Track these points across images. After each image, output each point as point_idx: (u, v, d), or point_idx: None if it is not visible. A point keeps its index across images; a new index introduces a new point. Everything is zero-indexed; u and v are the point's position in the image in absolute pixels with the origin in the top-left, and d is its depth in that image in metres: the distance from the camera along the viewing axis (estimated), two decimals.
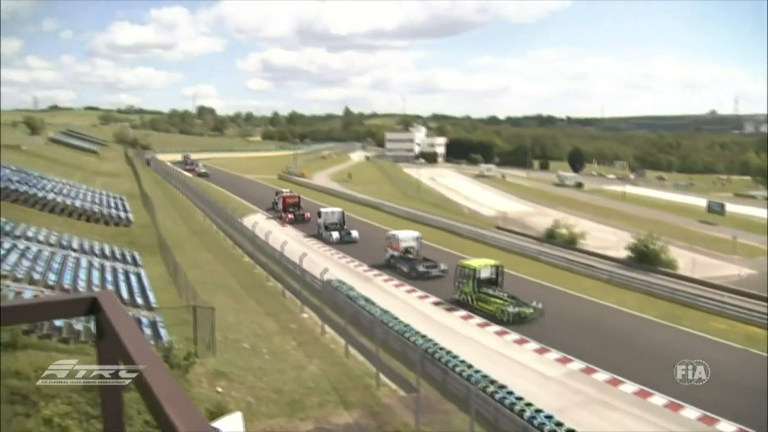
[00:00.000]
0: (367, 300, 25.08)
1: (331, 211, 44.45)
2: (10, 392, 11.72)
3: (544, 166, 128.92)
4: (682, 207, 70.55)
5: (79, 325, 16.31)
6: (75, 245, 28.54)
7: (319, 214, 43.45)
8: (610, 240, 42.83)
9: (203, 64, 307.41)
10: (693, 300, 28.32)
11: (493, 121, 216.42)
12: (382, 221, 49.25)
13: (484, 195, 77.96)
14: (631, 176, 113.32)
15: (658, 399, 17.69)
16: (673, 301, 28.74)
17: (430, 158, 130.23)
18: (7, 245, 24.87)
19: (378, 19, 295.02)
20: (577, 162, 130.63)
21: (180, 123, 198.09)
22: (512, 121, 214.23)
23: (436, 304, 27.45)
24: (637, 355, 21.24)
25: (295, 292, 26.56)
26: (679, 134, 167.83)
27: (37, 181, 41.83)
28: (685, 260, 35.39)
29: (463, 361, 18.62)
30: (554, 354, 21.19)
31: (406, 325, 22.08)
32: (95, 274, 24.31)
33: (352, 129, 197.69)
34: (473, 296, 26.50)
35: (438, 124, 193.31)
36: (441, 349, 19.71)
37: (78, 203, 38.60)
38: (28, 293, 19.51)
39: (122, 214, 39.41)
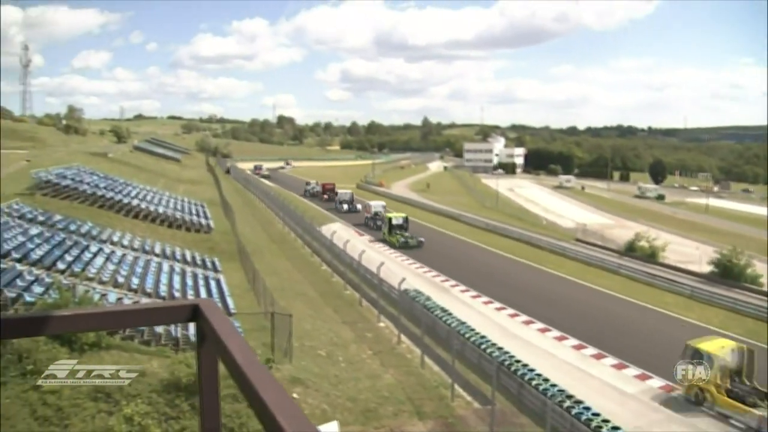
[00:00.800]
0: (443, 310, 24.51)
1: (344, 192, 61.62)
2: (94, 389, 11.93)
3: (624, 178, 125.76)
4: None
5: (159, 328, 16.48)
6: (157, 250, 29.29)
7: (336, 194, 61.94)
8: (692, 254, 40.90)
9: (283, 74, 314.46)
10: None
11: (572, 131, 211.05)
12: (460, 232, 48.96)
13: (563, 206, 76.73)
14: (715, 188, 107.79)
15: None
16: (759, 318, 27.14)
17: (508, 169, 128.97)
18: (93, 249, 25.71)
19: (456, 29, 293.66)
20: (658, 173, 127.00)
21: (260, 132, 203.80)
22: (592, 132, 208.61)
23: (513, 316, 26.57)
24: None
25: (372, 301, 26.32)
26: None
27: (122, 187, 43.55)
28: None
29: (539, 375, 18.00)
30: (633, 371, 20.53)
31: (482, 337, 21.49)
32: (176, 279, 24.75)
33: (431, 139, 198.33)
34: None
35: (517, 134, 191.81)
36: (517, 361, 19.12)
37: (161, 209, 39.89)
38: (113, 296, 19.94)
39: (203, 221, 40.41)
